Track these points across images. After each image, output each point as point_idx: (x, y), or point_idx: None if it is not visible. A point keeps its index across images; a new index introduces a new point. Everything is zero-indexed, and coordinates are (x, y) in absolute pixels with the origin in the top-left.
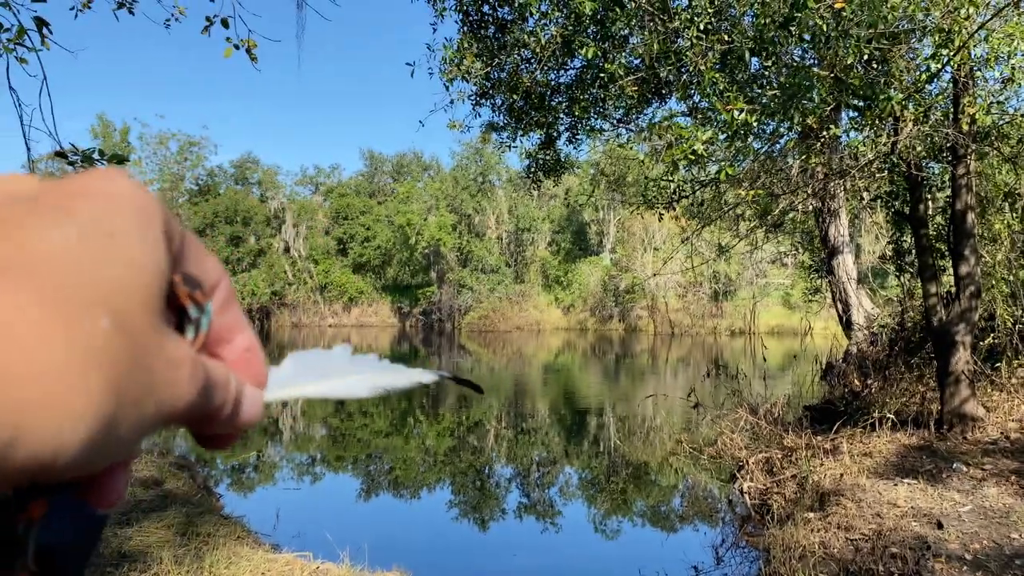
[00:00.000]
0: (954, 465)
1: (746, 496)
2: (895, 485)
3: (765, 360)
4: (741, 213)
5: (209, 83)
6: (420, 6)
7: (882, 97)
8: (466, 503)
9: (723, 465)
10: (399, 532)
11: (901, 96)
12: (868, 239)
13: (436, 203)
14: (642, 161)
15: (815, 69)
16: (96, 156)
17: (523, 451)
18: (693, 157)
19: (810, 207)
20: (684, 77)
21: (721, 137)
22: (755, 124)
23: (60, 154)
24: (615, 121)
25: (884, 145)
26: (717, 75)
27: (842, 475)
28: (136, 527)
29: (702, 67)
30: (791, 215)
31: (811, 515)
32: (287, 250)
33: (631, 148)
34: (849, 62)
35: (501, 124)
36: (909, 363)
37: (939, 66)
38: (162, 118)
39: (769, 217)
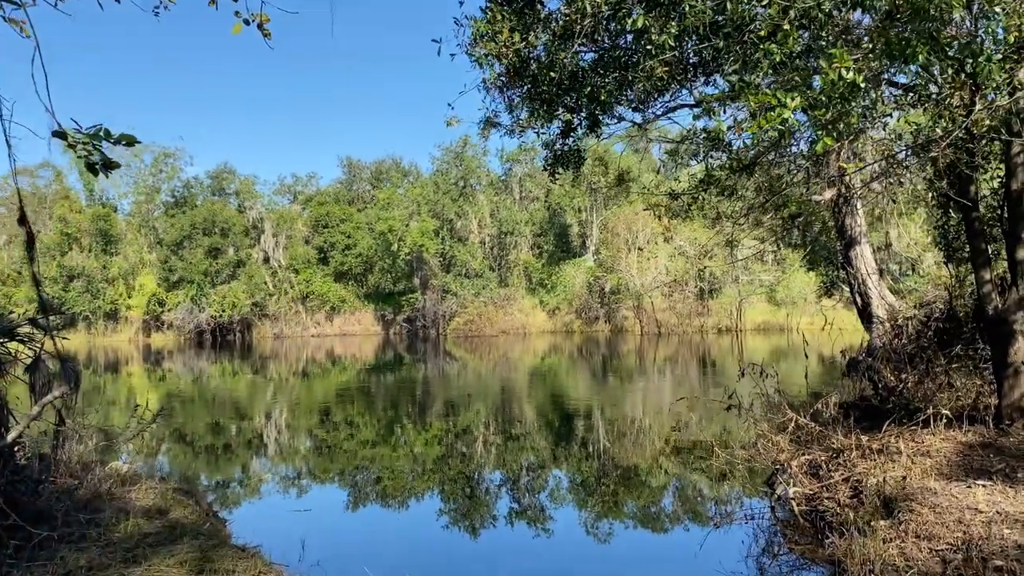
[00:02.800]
0: None
1: (792, 502)
2: (969, 487)
3: (807, 357)
4: (751, 207)
5: (185, 94)
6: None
7: (982, 59)
8: (490, 519)
9: (757, 468)
10: (427, 557)
11: (1000, 56)
12: (893, 229)
13: (417, 208)
14: (663, 163)
15: (922, 24)
16: (103, 135)
17: (533, 459)
18: (783, 127)
19: (826, 197)
20: (737, 49)
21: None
22: (863, 85)
23: (59, 134)
24: (632, 108)
25: (964, 119)
26: (797, 35)
27: (905, 477)
28: (145, 565)
29: (785, 26)
30: (802, 205)
31: (881, 523)
32: (267, 260)
33: (653, 132)
34: (954, 16)
35: (522, 115)
36: (950, 354)
37: None
38: (134, 129)
39: (786, 210)
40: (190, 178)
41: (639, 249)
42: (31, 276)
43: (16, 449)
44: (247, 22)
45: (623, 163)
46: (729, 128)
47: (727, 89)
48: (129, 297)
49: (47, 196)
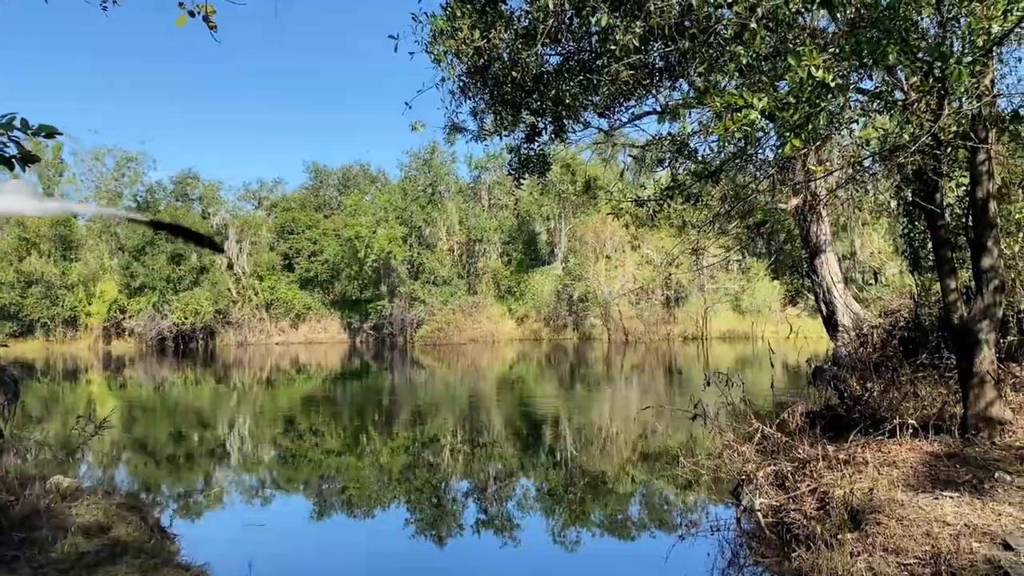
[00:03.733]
0: (996, 475)
1: (758, 513)
2: (936, 499)
3: (773, 366)
4: (717, 215)
5: (146, 96)
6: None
7: (952, 60)
8: (456, 530)
9: (723, 478)
10: (388, 572)
11: (969, 59)
12: (858, 239)
13: (385, 215)
14: (627, 167)
15: (893, 23)
16: (18, 124)
17: (500, 467)
18: (750, 129)
19: (792, 204)
20: (703, 51)
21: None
22: (832, 84)
23: None
24: (598, 114)
25: (932, 123)
26: (764, 35)
27: (872, 489)
28: None
29: (752, 25)
30: (768, 213)
31: (848, 536)
32: (230, 267)
33: (620, 139)
34: (924, 15)
35: (485, 119)
36: (916, 364)
37: (1007, 26)
38: (96, 133)
39: (751, 218)
40: (153, 183)
41: (607, 257)
42: None
43: None
44: (192, 14)
45: (591, 171)
46: (695, 133)
47: (693, 93)
48: (89, 304)
49: None
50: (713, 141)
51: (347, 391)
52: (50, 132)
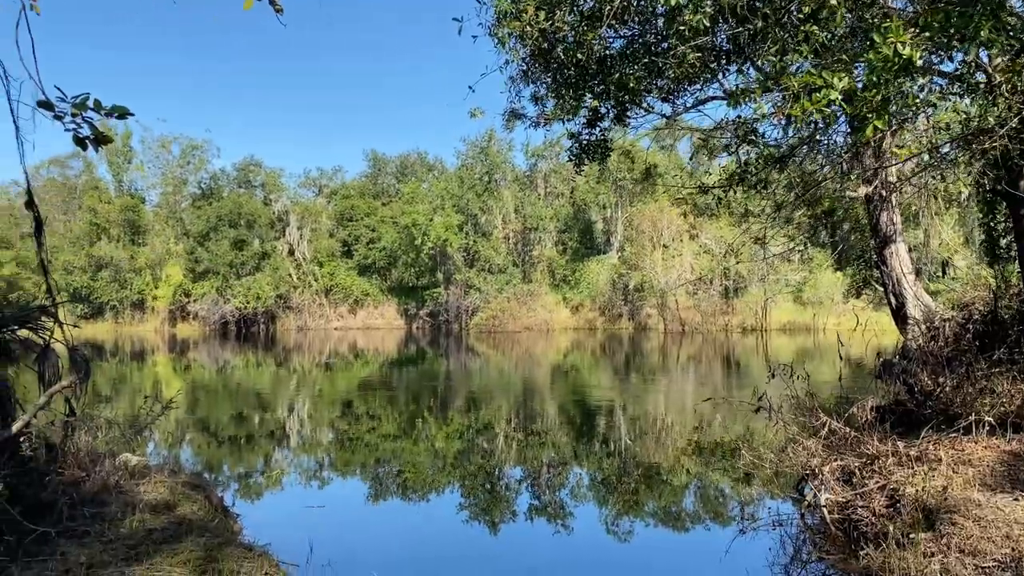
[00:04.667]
0: None
1: (824, 509)
2: (1016, 500)
3: (841, 358)
4: (781, 204)
5: (213, 85)
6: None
7: None
8: (509, 517)
9: (784, 472)
10: (442, 558)
11: None
12: (930, 228)
13: (442, 203)
14: (695, 150)
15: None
16: (91, 105)
17: (553, 455)
18: (828, 110)
19: (862, 193)
20: (776, 31)
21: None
22: (920, 62)
23: (44, 104)
24: (661, 99)
25: (1021, 106)
26: (843, 13)
27: (946, 487)
28: (147, 564)
29: (832, 2)
30: (836, 202)
31: (922, 535)
32: (291, 253)
33: (682, 125)
34: None
35: (547, 104)
36: (992, 358)
37: None
38: (164, 121)
39: (819, 206)
40: (217, 170)
41: (664, 246)
42: (39, 263)
43: (22, 440)
44: None
45: (650, 159)
46: (770, 115)
47: (763, 76)
48: (156, 287)
49: (77, 186)
50: (785, 125)
51: (403, 376)
52: (122, 113)
